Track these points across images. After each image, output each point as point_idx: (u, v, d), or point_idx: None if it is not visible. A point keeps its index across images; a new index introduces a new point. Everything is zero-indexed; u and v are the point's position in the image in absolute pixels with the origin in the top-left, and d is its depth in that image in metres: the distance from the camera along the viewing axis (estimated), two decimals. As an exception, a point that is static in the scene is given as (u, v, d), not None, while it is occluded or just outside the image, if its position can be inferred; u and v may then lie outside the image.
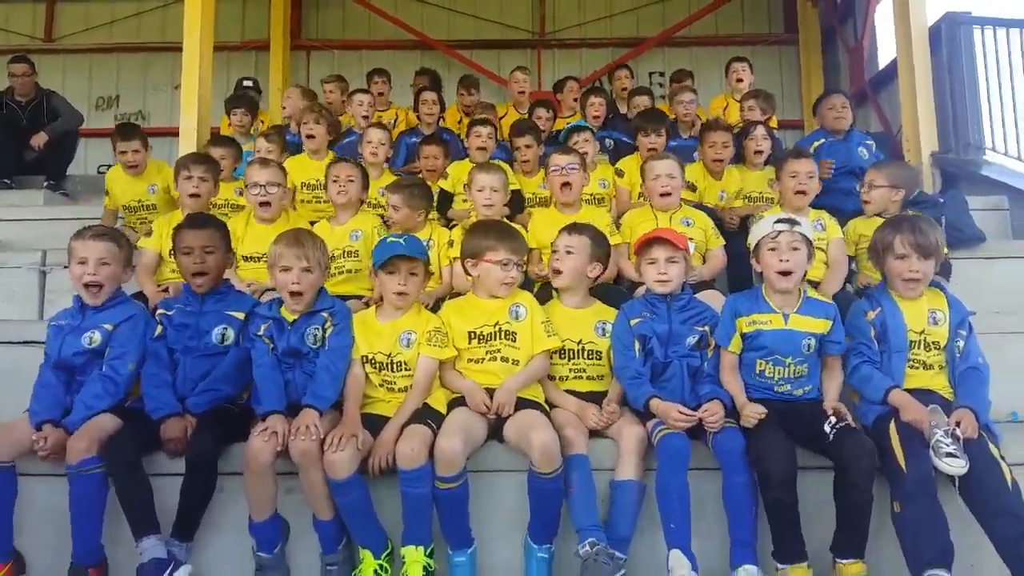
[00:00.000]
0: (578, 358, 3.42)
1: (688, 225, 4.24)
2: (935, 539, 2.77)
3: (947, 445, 2.85)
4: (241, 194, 4.87)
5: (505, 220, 4.19)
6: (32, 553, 3.11)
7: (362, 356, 3.25)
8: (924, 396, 3.09)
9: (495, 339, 3.32)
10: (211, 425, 3.14)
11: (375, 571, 2.96)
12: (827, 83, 9.66)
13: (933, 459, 2.85)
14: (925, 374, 3.22)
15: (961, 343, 3.23)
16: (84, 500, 2.94)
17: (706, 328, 3.34)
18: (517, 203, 4.95)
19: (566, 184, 4.31)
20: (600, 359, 3.43)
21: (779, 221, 3.28)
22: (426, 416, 3.13)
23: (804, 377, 3.27)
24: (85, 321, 3.30)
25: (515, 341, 3.32)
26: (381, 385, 3.26)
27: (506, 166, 4.90)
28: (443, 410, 3.22)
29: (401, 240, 3.34)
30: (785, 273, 3.21)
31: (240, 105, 6.77)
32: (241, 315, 3.37)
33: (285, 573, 3.08)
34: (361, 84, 7.25)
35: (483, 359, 3.32)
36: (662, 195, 4.26)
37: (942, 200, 4.95)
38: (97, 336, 3.27)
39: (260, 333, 3.26)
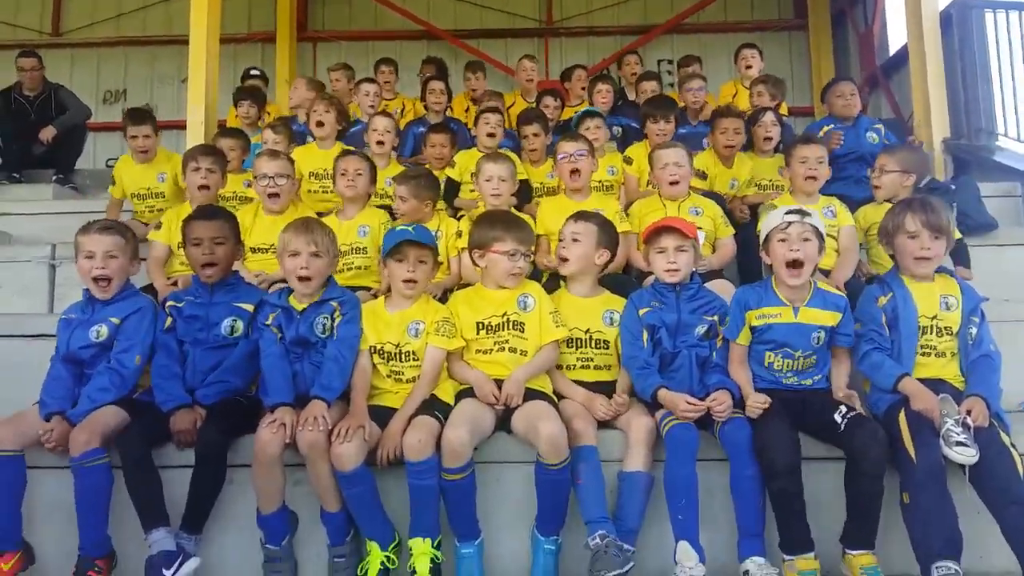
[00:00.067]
0: (586, 347, 3.41)
1: (697, 214, 4.22)
2: (944, 529, 2.76)
3: (958, 434, 2.83)
4: (249, 186, 4.88)
5: (513, 210, 4.20)
6: (41, 545, 3.12)
7: (370, 347, 3.24)
8: (935, 385, 3.06)
9: (503, 330, 3.31)
10: (220, 417, 3.15)
11: (382, 563, 2.96)
12: (838, 69, 9.58)
13: (943, 448, 2.83)
14: (937, 362, 3.19)
15: (974, 330, 3.19)
16: (88, 492, 2.95)
17: (715, 318, 3.31)
18: (525, 193, 4.93)
19: (575, 171, 4.30)
20: (608, 348, 3.42)
21: (790, 212, 3.25)
22: (434, 407, 3.13)
23: (812, 368, 3.25)
24: (94, 315, 3.31)
25: (523, 331, 3.31)
26: (389, 376, 3.25)
27: (514, 156, 4.88)
28: (451, 401, 3.22)
29: (410, 228, 3.34)
30: (795, 264, 3.18)
31: (247, 96, 6.77)
32: (250, 307, 3.37)
33: (293, 565, 3.09)
34: (368, 75, 7.22)
35: (491, 350, 3.31)
36: (670, 184, 4.23)
37: (953, 187, 4.91)
38: (104, 330, 3.27)
39: (268, 322, 3.27)
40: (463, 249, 4.02)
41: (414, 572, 2.90)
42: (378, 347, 3.25)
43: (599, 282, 3.61)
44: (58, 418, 3.08)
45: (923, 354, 3.20)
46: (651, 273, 3.50)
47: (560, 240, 3.55)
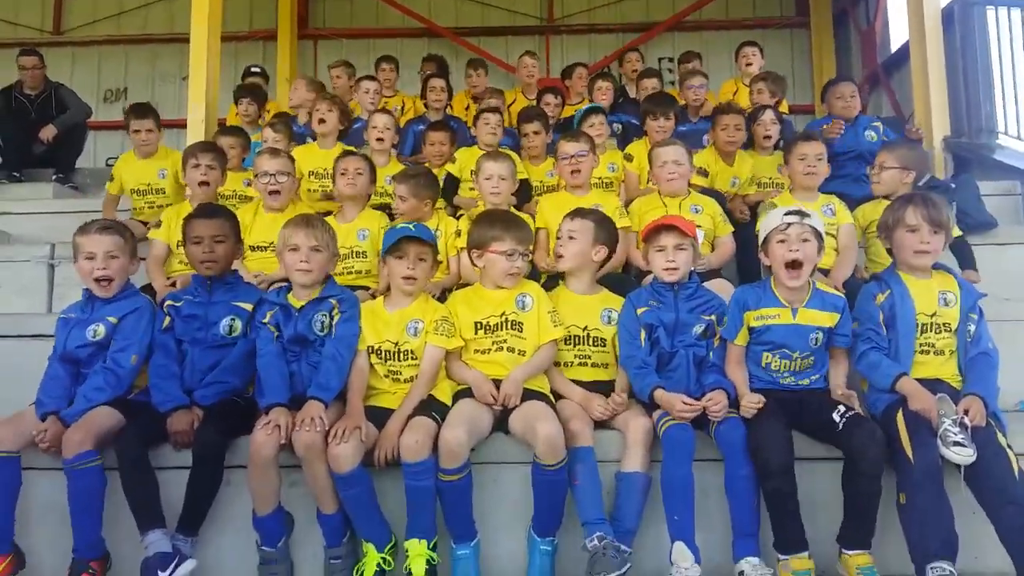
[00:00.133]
0: (583, 344, 3.41)
1: (697, 212, 4.22)
2: (940, 530, 2.76)
3: (955, 434, 2.83)
4: (249, 185, 4.89)
5: (513, 209, 4.20)
6: (36, 547, 3.12)
7: (368, 346, 3.24)
8: (932, 385, 3.06)
9: (502, 329, 3.31)
10: (218, 418, 3.15)
11: (379, 564, 2.95)
12: (839, 66, 9.57)
13: (941, 448, 2.83)
14: (935, 360, 3.19)
15: (972, 327, 3.19)
16: (82, 494, 2.95)
17: (712, 317, 3.31)
18: (524, 192, 4.92)
19: (576, 171, 4.31)
20: (605, 346, 3.42)
21: (789, 213, 3.25)
22: (431, 408, 3.12)
23: (810, 369, 3.25)
24: (92, 314, 3.31)
25: (522, 331, 3.31)
26: (387, 376, 3.25)
27: (514, 154, 4.88)
28: (448, 402, 3.22)
29: (411, 226, 3.34)
30: (794, 265, 3.17)
31: (247, 94, 6.79)
32: (249, 306, 3.37)
33: (289, 567, 3.09)
34: (369, 72, 7.22)
35: (489, 350, 3.31)
36: (669, 181, 4.23)
37: (953, 185, 4.90)
38: (101, 329, 3.27)
39: (266, 320, 3.26)
40: (462, 248, 4.01)
41: (410, 574, 2.88)
42: (376, 347, 3.24)
43: (599, 281, 3.61)
44: (53, 418, 3.08)
45: (922, 352, 3.19)
46: (650, 272, 3.49)
47: (558, 238, 3.55)
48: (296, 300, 3.28)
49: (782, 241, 3.21)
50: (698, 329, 3.29)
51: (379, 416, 3.11)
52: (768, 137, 5.19)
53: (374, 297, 3.84)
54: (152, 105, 5.69)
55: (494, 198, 4.20)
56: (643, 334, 3.28)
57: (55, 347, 3.32)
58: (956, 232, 4.03)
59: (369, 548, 2.98)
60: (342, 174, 4.31)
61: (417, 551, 2.90)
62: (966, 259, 4.22)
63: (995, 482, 2.78)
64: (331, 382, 3.10)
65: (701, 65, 7.51)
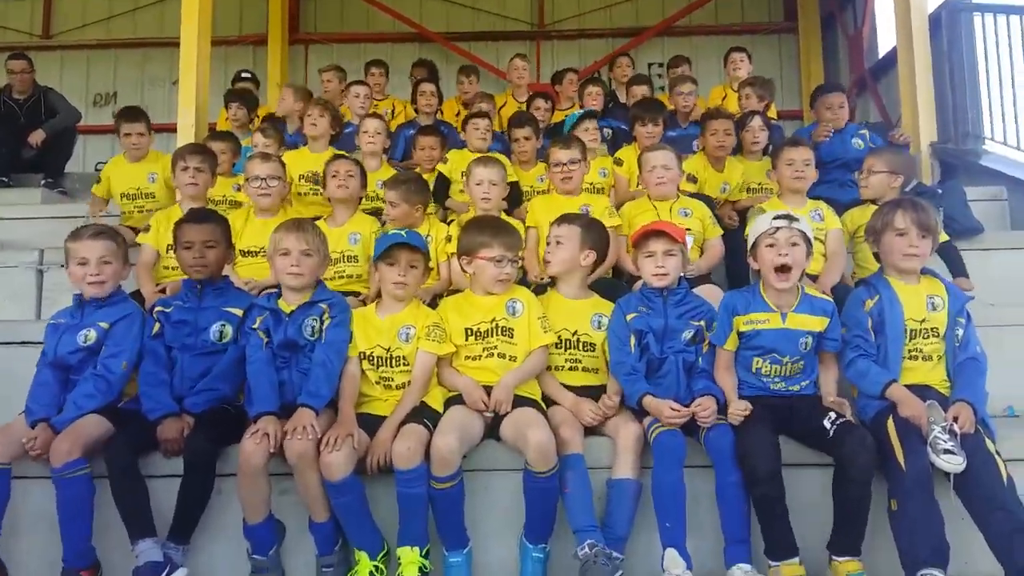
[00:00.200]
0: (573, 349, 3.42)
1: (686, 216, 4.24)
2: (931, 538, 2.76)
3: (944, 441, 2.84)
4: (239, 190, 4.88)
5: (503, 214, 4.21)
6: (25, 555, 3.12)
7: (360, 352, 3.24)
8: (921, 391, 3.07)
9: (492, 336, 3.31)
10: (209, 425, 3.14)
11: (371, 572, 2.95)
12: (827, 71, 9.64)
13: (930, 456, 2.84)
14: (924, 366, 3.21)
15: (960, 331, 3.21)
16: (71, 503, 2.94)
17: (701, 323, 3.32)
18: (515, 196, 4.94)
19: (567, 178, 4.34)
20: (594, 351, 3.42)
21: (778, 217, 3.26)
22: (423, 415, 3.12)
23: (800, 374, 3.26)
24: (83, 320, 3.29)
25: (512, 337, 3.31)
26: (378, 382, 3.25)
27: (505, 159, 4.90)
28: (440, 408, 3.21)
29: (402, 232, 3.35)
30: (783, 269, 3.18)
31: (236, 99, 6.77)
32: (240, 311, 3.36)
33: (281, 575, 3.08)
34: (359, 77, 7.23)
35: (480, 356, 3.31)
36: (658, 185, 4.26)
37: (940, 191, 4.94)
38: (93, 334, 3.26)
39: (256, 326, 3.25)
40: (452, 254, 4.02)
41: (402, 581, 2.89)
42: (368, 353, 3.24)
43: (591, 286, 3.62)
44: (43, 425, 3.07)
45: (910, 357, 3.20)
46: (640, 277, 3.50)
47: (547, 243, 3.56)
48: (286, 305, 3.28)
49: (771, 245, 3.22)
50: (687, 335, 3.30)
51: (371, 423, 3.11)
52: (756, 143, 5.21)
53: (365, 303, 3.85)
54: (143, 109, 5.67)
55: (485, 203, 4.21)
56: (633, 340, 3.29)
57: (44, 353, 3.31)
58: (943, 237, 4.06)
59: (361, 556, 2.98)
60: (333, 176, 4.31)
61: (409, 559, 2.90)
62: (957, 266, 4.25)
63: (984, 489, 2.79)
64: (321, 389, 3.09)
65: (690, 70, 7.56)
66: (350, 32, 10.57)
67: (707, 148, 5.09)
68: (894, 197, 4.02)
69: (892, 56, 7.21)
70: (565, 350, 3.42)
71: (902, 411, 2.99)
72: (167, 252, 4.03)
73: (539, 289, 3.71)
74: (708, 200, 4.66)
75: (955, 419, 2.91)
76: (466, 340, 3.32)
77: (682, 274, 3.42)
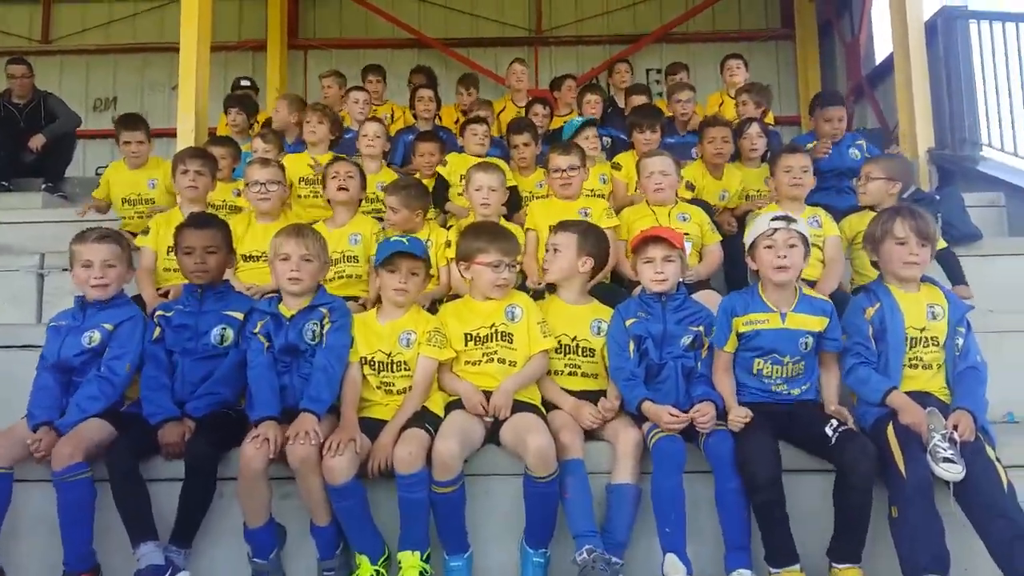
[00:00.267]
0: (573, 354, 3.43)
1: (685, 220, 4.26)
2: (931, 545, 2.76)
3: (944, 450, 2.84)
4: (239, 195, 4.89)
5: (502, 220, 4.23)
6: (25, 560, 3.12)
7: (361, 358, 3.25)
8: (921, 398, 3.08)
9: (491, 341, 3.32)
10: (210, 429, 3.15)
11: (371, 576, 2.97)
12: (824, 78, 9.66)
13: (930, 464, 2.84)
14: (924, 374, 3.21)
15: (960, 340, 3.21)
16: (71, 507, 2.95)
17: (700, 328, 3.32)
18: (514, 201, 4.95)
19: (566, 184, 4.35)
20: (594, 357, 3.43)
21: (776, 218, 3.28)
22: (424, 419, 3.13)
23: (801, 376, 3.26)
24: (85, 321, 3.30)
25: (512, 342, 3.32)
26: (379, 387, 3.26)
27: (504, 165, 4.91)
28: (441, 413, 3.22)
29: (404, 240, 3.36)
30: (782, 269, 3.20)
31: (235, 104, 6.79)
32: (240, 315, 3.37)
33: (282, 579, 3.09)
34: (358, 83, 7.25)
35: (480, 361, 3.32)
36: (655, 191, 4.28)
37: (938, 197, 4.95)
38: (97, 335, 3.27)
39: (256, 331, 3.26)
40: (452, 259, 4.03)
41: (403, 585, 2.90)
42: (369, 357, 3.25)
43: (591, 291, 3.63)
44: (46, 428, 3.07)
45: (910, 366, 3.21)
46: (640, 282, 3.52)
47: (546, 250, 3.58)
48: (287, 309, 3.29)
49: (769, 247, 3.24)
50: (686, 340, 3.30)
51: (372, 427, 3.12)
52: (754, 149, 5.21)
53: (365, 307, 3.86)
54: (142, 115, 5.68)
55: (484, 209, 4.22)
56: (632, 346, 3.29)
57: (44, 356, 3.31)
58: (941, 243, 4.08)
59: (362, 560, 2.99)
60: (333, 178, 4.33)
61: (410, 563, 2.91)
62: (956, 274, 4.26)
63: (984, 497, 2.79)
64: (323, 394, 3.10)
65: (688, 77, 7.57)
66: (349, 38, 10.58)
67: (705, 156, 5.10)
68: (892, 204, 4.05)
69: (889, 63, 7.24)
70: (564, 355, 3.43)
71: (902, 418, 2.99)
72: (167, 254, 4.04)
73: (537, 295, 3.72)
74: (706, 206, 4.67)
75: (955, 427, 2.91)
76: (466, 345, 3.33)
77: (681, 279, 3.43)
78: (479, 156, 5.21)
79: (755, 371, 3.26)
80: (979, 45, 6.28)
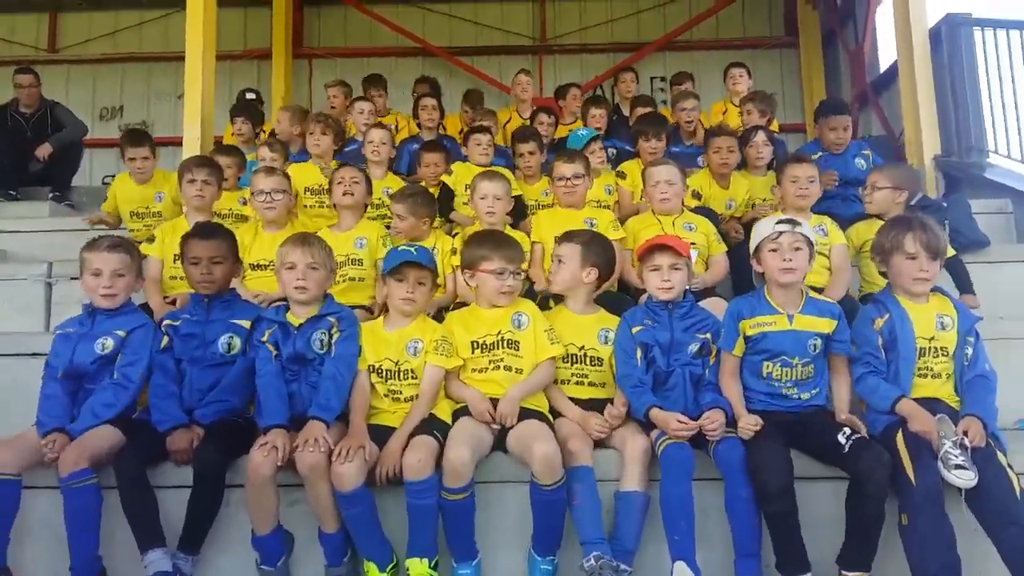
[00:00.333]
0: (580, 363, 3.43)
1: (691, 230, 4.25)
2: (941, 553, 2.74)
3: (956, 456, 2.82)
4: (245, 203, 4.91)
5: (508, 228, 4.24)
6: (32, 566, 3.12)
7: (368, 366, 3.25)
8: (931, 404, 3.06)
9: (498, 348, 3.32)
10: (218, 437, 3.15)
11: (380, 583, 2.96)
12: (828, 86, 9.67)
13: (942, 471, 2.82)
14: (933, 383, 3.19)
15: (969, 350, 3.19)
16: (78, 513, 2.95)
17: (707, 336, 3.32)
18: (520, 210, 4.96)
19: (570, 192, 4.36)
20: (601, 366, 3.43)
21: (780, 222, 3.28)
22: (432, 426, 3.13)
23: (811, 379, 3.25)
24: (95, 328, 3.32)
25: (518, 350, 3.32)
26: (387, 395, 3.26)
27: (509, 173, 4.92)
28: (448, 420, 3.23)
29: (412, 249, 3.37)
30: (788, 271, 3.21)
31: (241, 113, 6.82)
32: (247, 323, 3.38)
33: (289, 586, 3.09)
34: (362, 93, 7.27)
35: (486, 368, 3.32)
36: (661, 200, 4.28)
37: (945, 204, 4.94)
38: (110, 342, 3.28)
39: (264, 339, 3.27)
40: (458, 267, 4.03)
41: (411, 592, 2.89)
42: (376, 365, 3.26)
43: (597, 300, 3.63)
44: (58, 433, 3.08)
45: (920, 375, 3.19)
46: (646, 291, 3.51)
47: (551, 260, 3.59)
48: (295, 318, 3.30)
49: (774, 250, 3.24)
50: (693, 348, 3.30)
51: (380, 434, 3.12)
52: (761, 158, 5.21)
53: (371, 312, 3.87)
54: (147, 131, 5.73)
55: (489, 217, 4.22)
56: (639, 353, 3.28)
57: (51, 364, 3.31)
58: (949, 251, 4.07)
59: (370, 567, 2.99)
60: (338, 183, 4.36)
61: (418, 570, 2.91)
62: (964, 283, 4.23)
63: (997, 503, 2.78)
64: (331, 402, 3.11)
65: (693, 86, 7.58)
66: (353, 47, 10.61)
67: (711, 165, 5.10)
68: (899, 212, 4.04)
69: (893, 70, 7.23)
70: (572, 365, 3.43)
71: (912, 425, 2.98)
72: (173, 262, 4.06)
73: (544, 304, 3.72)
74: (712, 214, 4.67)
75: (965, 433, 2.90)
76: (472, 353, 3.33)
77: (687, 287, 3.43)
78: (483, 166, 5.21)
79: (764, 375, 3.25)
80: (983, 52, 6.27)
